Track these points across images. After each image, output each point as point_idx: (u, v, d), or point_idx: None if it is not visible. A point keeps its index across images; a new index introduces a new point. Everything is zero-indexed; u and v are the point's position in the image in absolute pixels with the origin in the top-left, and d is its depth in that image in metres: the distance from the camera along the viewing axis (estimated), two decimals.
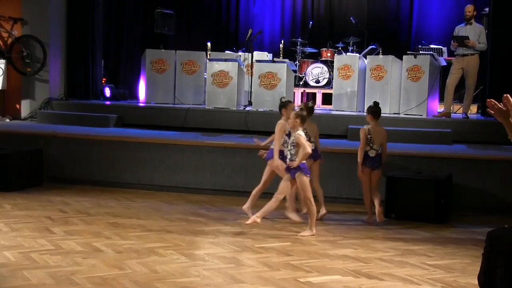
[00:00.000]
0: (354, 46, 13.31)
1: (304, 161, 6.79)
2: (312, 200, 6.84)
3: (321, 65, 13.35)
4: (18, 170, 8.90)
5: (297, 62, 13.61)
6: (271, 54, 13.33)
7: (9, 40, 11.83)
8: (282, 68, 11.08)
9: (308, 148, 6.72)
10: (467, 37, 10.55)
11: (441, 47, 12.64)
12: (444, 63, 11.28)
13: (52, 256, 5.72)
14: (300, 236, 6.78)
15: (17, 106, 12.33)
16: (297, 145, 6.73)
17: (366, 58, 11.85)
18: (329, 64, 13.18)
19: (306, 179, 6.78)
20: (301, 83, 13.48)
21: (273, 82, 11.02)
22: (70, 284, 4.98)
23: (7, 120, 12.05)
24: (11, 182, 8.78)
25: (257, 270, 5.54)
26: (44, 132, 9.99)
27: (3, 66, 12.19)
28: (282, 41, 13.80)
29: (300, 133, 6.75)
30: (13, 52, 11.85)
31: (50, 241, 6.25)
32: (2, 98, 12.43)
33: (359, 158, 7.51)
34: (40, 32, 12.01)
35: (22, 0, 12.23)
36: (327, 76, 13.18)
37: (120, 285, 5.01)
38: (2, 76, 12.21)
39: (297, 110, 6.96)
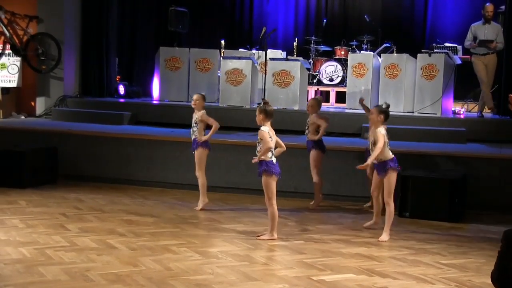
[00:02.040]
0: (368, 44, 13.25)
1: (271, 159, 6.50)
2: (273, 202, 6.50)
3: (335, 63, 13.32)
4: (33, 167, 8.96)
5: (310, 60, 13.59)
6: (285, 52, 13.32)
7: (25, 38, 11.87)
8: (296, 66, 11.07)
9: (269, 143, 6.44)
10: (492, 41, 10.57)
11: (456, 45, 12.56)
12: (459, 62, 11.22)
13: (67, 252, 5.76)
14: (259, 239, 6.51)
15: (32, 103, 12.39)
16: (261, 141, 6.53)
17: (380, 57, 11.81)
18: (343, 62, 13.15)
19: (269, 180, 6.49)
20: (314, 81, 13.45)
21: (287, 80, 11.02)
22: (84, 281, 5.01)
23: (22, 117, 12.12)
24: (26, 179, 8.84)
25: (271, 268, 5.55)
26: (59, 130, 10.05)
27: (18, 63, 12.26)
28: (296, 39, 13.78)
29: (264, 128, 6.52)
30: (29, 50, 11.90)
31: (64, 237, 6.29)
32: (17, 95, 12.50)
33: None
34: (55, 30, 12.06)
35: None
36: (341, 74, 13.15)
37: (134, 282, 5.03)
38: (17, 74, 12.28)
39: (261, 105, 6.72)
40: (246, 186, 8.91)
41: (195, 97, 7.84)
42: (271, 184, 6.49)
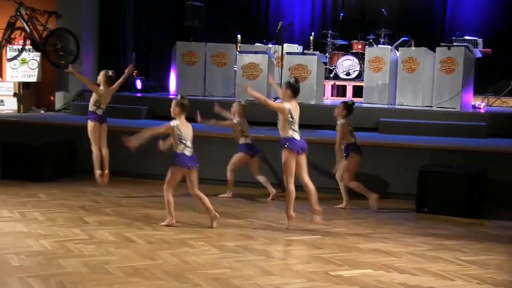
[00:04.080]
0: (386, 38, 13.19)
1: (179, 151, 6.61)
2: (169, 190, 6.66)
3: (351, 57, 13.29)
4: (52, 161, 9.04)
5: (327, 54, 13.56)
6: (302, 47, 13.29)
7: (44, 34, 11.98)
8: (312, 61, 11.04)
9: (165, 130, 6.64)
10: None
11: (476, 38, 12.43)
12: (479, 55, 11.11)
13: (86, 245, 5.82)
14: (161, 225, 6.70)
15: (52, 98, 12.49)
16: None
17: (398, 50, 11.76)
18: (360, 57, 13.11)
19: (172, 170, 6.67)
20: (331, 75, 13.43)
21: (304, 74, 11.00)
22: (103, 273, 5.06)
23: (42, 111, 12.22)
24: (45, 172, 8.93)
25: (288, 263, 5.56)
26: (77, 124, 10.10)
27: (38, 59, 12.36)
28: (313, 33, 13.76)
29: (172, 122, 6.62)
30: (48, 45, 12.00)
31: (84, 230, 6.35)
32: (37, 90, 12.60)
33: (339, 152, 7.87)
34: (73, 25, 12.14)
35: None
36: (358, 68, 13.12)
37: (152, 275, 5.07)
38: (37, 69, 12.38)
39: (178, 98, 6.76)
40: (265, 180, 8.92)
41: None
42: (170, 174, 6.70)
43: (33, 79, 12.41)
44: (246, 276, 5.14)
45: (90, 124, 8.00)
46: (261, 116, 10.43)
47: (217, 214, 6.76)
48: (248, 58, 11.21)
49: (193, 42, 12.45)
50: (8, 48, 12.28)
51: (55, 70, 12.36)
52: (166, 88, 13.13)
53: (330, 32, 13.91)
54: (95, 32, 12.80)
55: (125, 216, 7.07)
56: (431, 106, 10.95)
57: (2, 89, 12.14)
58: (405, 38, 12.66)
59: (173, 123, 6.63)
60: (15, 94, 12.14)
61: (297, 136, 6.69)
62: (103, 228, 6.48)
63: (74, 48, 11.98)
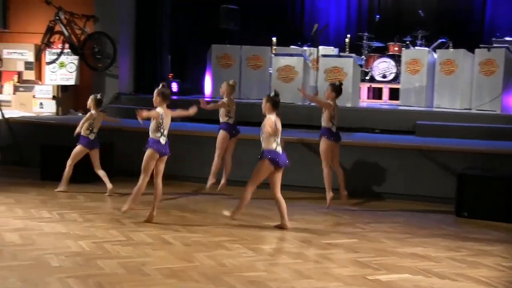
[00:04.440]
0: (423, 40, 13.04)
1: (153, 137, 6.90)
2: (143, 177, 6.94)
3: (388, 59, 13.16)
4: (90, 163, 9.10)
5: (363, 56, 13.47)
6: (337, 49, 13.23)
7: (82, 37, 12.12)
8: (348, 63, 10.99)
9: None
10: None
11: None
12: None
13: (123, 247, 5.86)
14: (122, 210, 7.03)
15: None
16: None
17: (435, 52, 11.62)
18: (396, 59, 12.98)
19: (147, 152, 6.92)
20: (367, 78, 13.33)
21: (339, 76, 10.94)
22: (140, 275, 5.09)
23: (80, 114, 12.35)
24: (83, 174, 9.01)
25: (324, 266, 5.53)
26: (114, 126, 10.19)
27: (76, 62, 12.52)
28: (348, 36, 13.67)
29: (158, 109, 6.90)
30: (86, 49, 12.14)
31: (121, 232, 6.41)
32: (75, 93, 12.75)
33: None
34: (110, 29, 12.26)
35: None
36: (394, 70, 12.99)
37: (189, 277, 5.08)
38: (75, 72, 12.54)
39: (159, 88, 7.05)
40: (295, 183, 8.89)
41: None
42: (145, 158, 7.02)
43: (71, 82, 12.58)
44: (283, 279, 5.12)
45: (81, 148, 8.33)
46: (294, 119, 10.46)
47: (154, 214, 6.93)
48: (283, 61, 11.20)
49: (228, 45, 12.49)
50: (47, 52, 12.46)
51: (93, 73, 12.50)
52: (201, 91, 13.17)
53: (366, 34, 13.81)
54: (131, 36, 12.91)
55: (162, 218, 7.10)
56: (470, 109, 10.79)
57: (41, 92, 12.32)
58: (443, 40, 12.49)
59: (159, 110, 6.91)
60: (53, 97, 12.31)
61: (279, 149, 6.79)
62: (140, 230, 6.52)
63: (111, 52, 12.11)
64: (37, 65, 12.86)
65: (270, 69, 11.88)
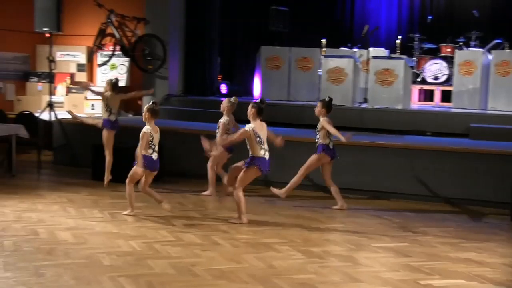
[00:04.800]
0: (477, 41, 12.77)
1: (146, 154, 7.09)
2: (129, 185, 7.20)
3: (440, 61, 12.94)
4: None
5: (414, 58, 13.27)
6: (388, 50, 13.08)
7: (133, 39, 12.27)
8: (399, 65, 10.85)
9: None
10: None
11: None
12: None
13: (173, 247, 5.90)
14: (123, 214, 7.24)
15: (139, 102, 12.76)
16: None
17: (490, 53, 11.37)
18: (449, 60, 12.75)
19: (139, 170, 7.14)
20: (418, 79, 13.14)
21: (390, 78, 10.82)
22: (190, 275, 5.11)
23: (130, 115, 12.51)
24: None
25: (375, 270, 5.45)
26: (164, 128, 10.24)
27: (127, 64, 12.69)
28: (399, 37, 13.50)
29: (145, 128, 7.11)
30: (136, 51, 12.28)
31: (170, 232, 6.45)
32: (125, 94, 12.89)
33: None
34: (161, 31, 12.38)
35: (145, 1, 12.66)
36: (447, 72, 12.76)
37: (238, 278, 5.08)
38: (126, 74, 12.72)
39: (150, 104, 7.23)
40: (343, 186, 8.80)
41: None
42: (133, 173, 7.26)
43: (122, 83, 12.73)
44: (332, 282, 5.07)
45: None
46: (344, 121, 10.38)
47: (163, 202, 7.32)
48: (333, 63, 11.13)
49: (278, 47, 12.47)
50: (99, 54, 12.67)
51: (143, 75, 12.64)
52: (250, 93, 13.20)
53: (418, 35, 13.61)
54: (181, 38, 13.01)
55: (210, 219, 7.13)
56: None
57: (93, 93, 12.49)
58: (499, 41, 12.20)
59: (146, 129, 7.12)
60: None
61: (267, 155, 6.99)
62: (189, 231, 6.55)
63: (161, 53, 12.22)
64: (89, 67, 13.11)
65: (319, 71, 11.82)
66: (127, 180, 7.23)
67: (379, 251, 6.07)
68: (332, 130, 7.68)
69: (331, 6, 15.71)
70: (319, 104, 7.87)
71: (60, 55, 12.92)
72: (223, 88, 13.09)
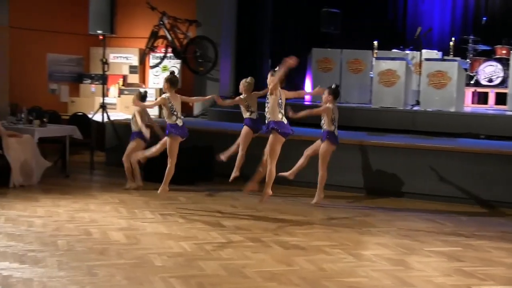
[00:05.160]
0: None
1: (170, 121, 7.55)
2: (172, 161, 7.67)
3: (495, 63, 12.66)
4: (191, 165, 9.30)
5: (468, 60, 13.03)
6: (441, 52, 12.87)
7: (185, 41, 12.39)
8: (452, 67, 10.66)
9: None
10: None
11: None
12: None
13: (224, 248, 5.93)
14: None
15: (190, 104, 12.84)
16: None
17: None
18: (504, 62, 12.47)
19: (169, 139, 7.60)
20: (472, 82, 12.88)
21: (443, 81, 10.65)
22: (241, 277, 5.13)
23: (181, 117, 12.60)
24: (185, 176, 9.19)
25: (427, 275, 5.38)
26: (214, 129, 10.35)
27: (178, 66, 12.82)
28: (453, 39, 13.27)
29: (164, 95, 7.60)
30: (188, 53, 12.40)
31: (221, 234, 6.48)
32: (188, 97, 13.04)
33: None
34: (212, 33, 12.46)
35: (196, 3, 12.78)
36: (502, 74, 12.47)
37: (289, 281, 5.07)
38: (177, 75, 12.80)
39: (168, 75, 7.79)
40: (395, 188, 8.74)
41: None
42: (164, 144, 7.79)
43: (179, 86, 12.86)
44: (384, 286, 5.03)
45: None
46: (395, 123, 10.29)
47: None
48: (385, 65, 11.01)
49: (329, 49, 12.42)
50: (151, 56, 12.83)
51: (194, 77, 12.74)
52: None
53: (472, 37, 13.34)
54: (232, 40, 13.08)
55: (261, 221, 7.14)
56: None
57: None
58: None
59: (165, 95, 7.55)
60: None
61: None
62: (240, 232, 6.57)
63: (212, 56, 12.30)
64: (141, 69, 13.29)
65: (371, 73, 11.73)
66: (169, 159, 7.65)
67: (432, 255, 5.98)
68: (317, 110, 8.01)
69: (383, 8, 15.52)
70: (326, 92, 8.03)
71: (113, 57, 13.14)
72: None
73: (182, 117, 7.76)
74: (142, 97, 8.94)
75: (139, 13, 12.90)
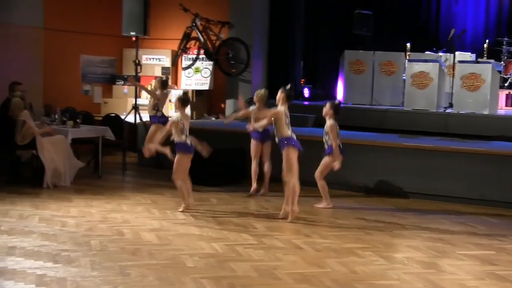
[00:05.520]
0: None
1: (180, 140, 7.52)
2: (180, 177, 7.59)
3: None
4: (223, 167, 9.34)
5: (502, 62, 12.86)
6: (474, 55, 12.73)
7: (217, 43, 12.44)
8: (486, 69, 10.55)
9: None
10: None
11: None
12: None
13: (255, 250, 5.94)
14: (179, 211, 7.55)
15: (222, 105, 12.91)
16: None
17: None
18: None
19: (180, 157, 7.56)
20: (506, 84, 12.71)
21: (476, 83, 10.54)
22: (272, 278, 5.13)
23: (213, 118, 12.67)
24: (216, 177, 9.24)
25: (459, 278, 5.33)
26: (246, 131, 10.33)
27: (210, 67, 12.87)
28: (487, 41, 13.11)
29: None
30: (220, 54, 12.44)
31: (252, 235, 6.49)
32: (209, 97, 13.12)
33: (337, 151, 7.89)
34: (244, 34, 12.49)
35: (229, 4, 12.82)
36: None
37: (321, 282, 5.06)
38: (209, 77, 12.90)
39: (180, 94, 8.10)
40: (430, 191, 8.67)
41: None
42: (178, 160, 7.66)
43: (206, 87, 12.95)
44: None
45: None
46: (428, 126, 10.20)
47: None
48: (418, 67, 10.93)
49: (361, 51, 12.38)
50: (183, 57, 12.90)
51: (226, 79, 12.78)
52: (333, 97, 13.09)
53: (506, 39, 13.17)
54: (265, 42, 13.08)
55: (293, 223, 7.13)
56: None
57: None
58: None
59: (176, 117, 7.55)
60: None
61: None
62: (271, 234, 6.58)
63: (244, 57, 12.32)
64: (173, 70, 13.37)
65: (403, 75, 11.65)
66: (174, 176, 7.62)
67: (464, 258, 5.92)
68: (332, 136, 7.90)
69: (416, 10, 15.37)
70: (327, 105, 8.06)
71: (145, 58, 13.23)
72: (306, 92, 13.06)
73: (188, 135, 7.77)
74: (164, 82, 9.29)
75: (172, 14, 12.99)
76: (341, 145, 7.99)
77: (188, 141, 7.56)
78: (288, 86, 7.83)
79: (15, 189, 8.58)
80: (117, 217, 7.21)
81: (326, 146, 8.01)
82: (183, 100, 7.72)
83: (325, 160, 8.02)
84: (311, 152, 8.12)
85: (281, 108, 7.39)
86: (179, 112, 7.65)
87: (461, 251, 6.17)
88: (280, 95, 7.47)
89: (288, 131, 7.33)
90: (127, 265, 5.38)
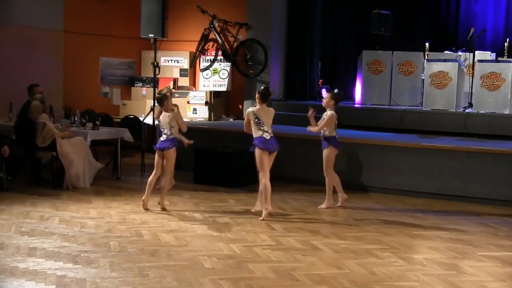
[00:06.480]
0: None
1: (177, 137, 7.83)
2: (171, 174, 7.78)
3: None
4: (240, 168, 9.34)
5: None
6: (494, 54, 12.61)
7: (235, 44, 12.45)
8: (507, 68, 10.46)
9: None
10: None
11: None
12: None
13: (273, 251, 5.93)
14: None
15: (240, 106, 12.93)
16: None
17: None
18: None
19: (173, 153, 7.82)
20: None
21: (496, 83, 10.45)
22: (290, 280, 5.12)
23: (231, 119, 12.69)
24: (234, 178, 9.25)
25: (480, 279, 5.28)
26: None
27: (228, 69, 12.89)
28: (507, 40, 12.99)
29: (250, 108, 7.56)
30: (238, 55, 12.45)
31: (271, 236, 6.48)
32: (227, 98, 13.14)
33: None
34: (262, 36, 12.49)
35: (247, 6, 12.82)
36: None
37: (339, 284, 5.04)
38: (227, 78, 12.91)
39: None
40: (449, 192, 8.61)
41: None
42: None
43: (223, 88, 12.96)
44: None
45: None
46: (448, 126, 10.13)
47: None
48: (436, 67, 10.86)
49: (380, 51, 12.33)
50: (201, 59, 12.92)
51: (244, 80, 12.79)
52: (351, 97, 13.07)
53: None
54: (283, 43, 13.08)
55: (311, 224, 7.12)
56: None
57: (195, 98, 12.78)
58: None
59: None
60: (206, 103, 12.72)
61: (267, 135, 7.39)
62: (290, 235, 6.57)
63: (262, 58, 12.32)
64: (191, 72, 13.40)
65: (422, 75, 11.59)
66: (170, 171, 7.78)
67: (485, 260, 5.87)
68: (321, 125, 7.87)
69: (435, 9, 15.25)
70: (328, 95, 8.07)
71: (164, 60, 13.28)
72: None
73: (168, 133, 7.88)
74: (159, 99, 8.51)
75: (189, 16, 13.02)
76: (336, 137, 8.01)
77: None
78: (336, 90, 8.03)
79: (35, 190, 8.65)
80: (136, 218, 7.24)
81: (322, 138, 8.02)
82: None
83: (325, 153, 7.98)
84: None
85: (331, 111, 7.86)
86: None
87: (482, 252, 6.12)
88: (329, 99, 7.91)
89: (328, 132, 7.88)
90: (145, 266, 5.39)
